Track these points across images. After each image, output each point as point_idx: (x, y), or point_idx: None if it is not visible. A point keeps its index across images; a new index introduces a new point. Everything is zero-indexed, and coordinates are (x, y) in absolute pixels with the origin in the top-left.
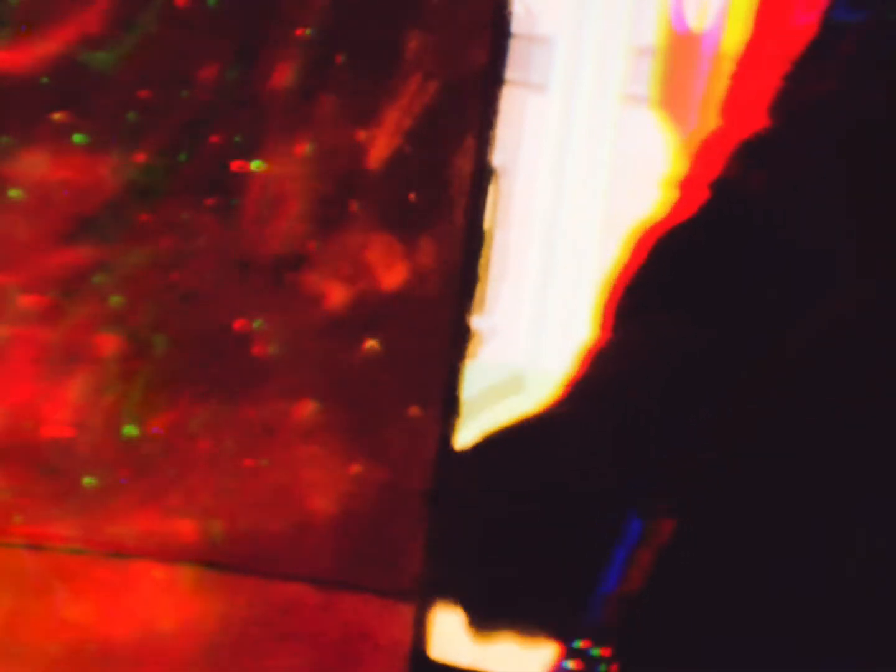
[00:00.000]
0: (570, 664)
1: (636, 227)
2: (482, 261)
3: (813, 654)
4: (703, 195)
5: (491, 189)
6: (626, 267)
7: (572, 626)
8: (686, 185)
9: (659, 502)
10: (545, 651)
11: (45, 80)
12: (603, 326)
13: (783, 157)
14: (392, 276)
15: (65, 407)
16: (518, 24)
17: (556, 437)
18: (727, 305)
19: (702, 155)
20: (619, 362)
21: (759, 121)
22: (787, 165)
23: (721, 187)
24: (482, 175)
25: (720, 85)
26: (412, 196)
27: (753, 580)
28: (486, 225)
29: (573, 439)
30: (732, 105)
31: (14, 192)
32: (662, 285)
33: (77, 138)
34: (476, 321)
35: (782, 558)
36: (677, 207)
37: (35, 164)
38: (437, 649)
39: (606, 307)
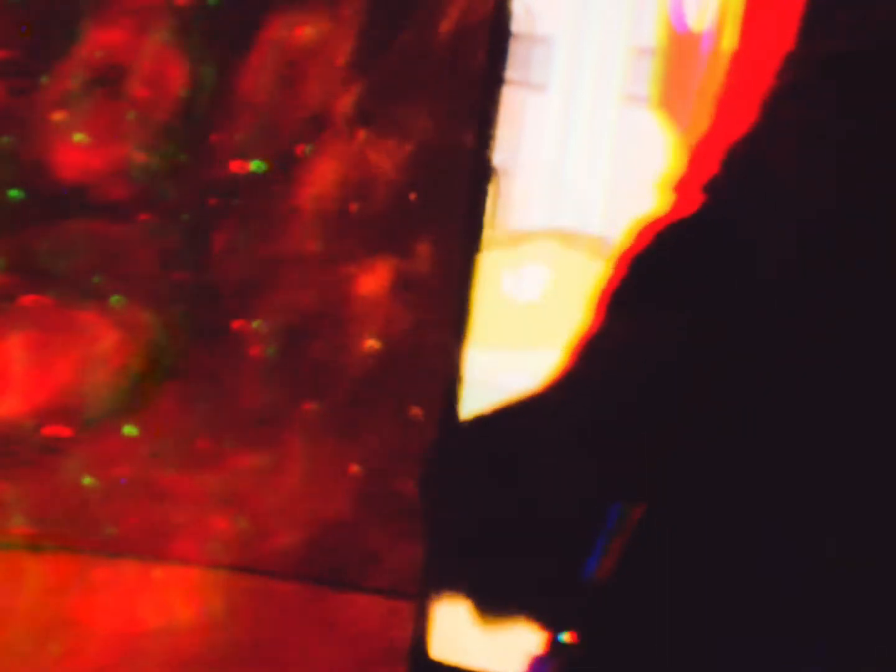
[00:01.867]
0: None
1: (633, 224)
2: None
3: (797, 654)
4: (698, 195)
5: (491, 189)
6: (620, 260)
7: (558, 616)
8: (682, 185)
9: (642, 492)
10: (531, 641)
11: (44, 79)
12: (593, 317)
13: (776, 158)
14: (392, 276)
15: (65, 407)
16: (518, 24)
17: (542, 425)
18: (717, 303)
19: (698, 154)
20: (606, 353)
21: (752, 120)
22: (781, 167)
23: (716, 188)
24: (482, 175)
25: (717, 84)
26: (412, 196)
27: (736, 576)
28: (486, 225)
29: (558, 427)
30: (728, 104)
31: (14, 192)
32: (654, 281)
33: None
34: None
35: (768, 554)
36: (673, 206)
37: None
38: (437, 649)
39: (598, 299)
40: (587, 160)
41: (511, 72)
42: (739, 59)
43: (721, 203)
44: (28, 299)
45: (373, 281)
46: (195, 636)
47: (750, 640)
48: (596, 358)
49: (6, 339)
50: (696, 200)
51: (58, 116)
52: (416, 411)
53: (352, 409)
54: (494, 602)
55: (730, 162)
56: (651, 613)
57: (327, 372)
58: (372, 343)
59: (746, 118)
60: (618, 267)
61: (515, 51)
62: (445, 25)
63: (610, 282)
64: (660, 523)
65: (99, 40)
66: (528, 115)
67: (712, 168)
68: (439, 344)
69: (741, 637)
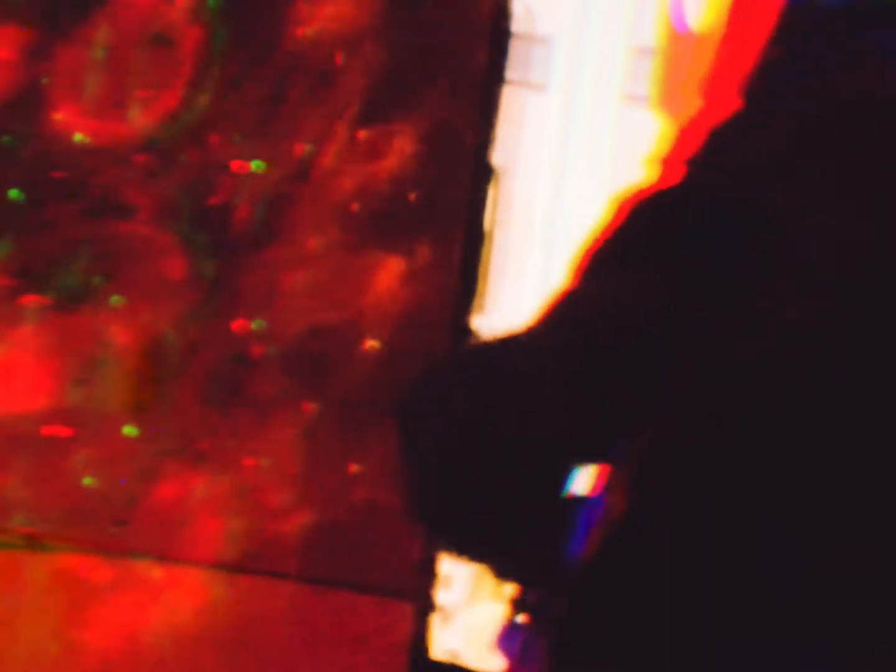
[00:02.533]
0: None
1: (617, 195)
2: (482, 261)
3: (797, 654)
4: (680, 168)
5: (491, 189)
6: (602, 229)
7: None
8: (666, 158)
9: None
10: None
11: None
12: (572, 280)
13: (761, 136)
14: (392, 276)
15: (66, 407)
16: (518, 24)
17: (510, 383)
18: (698, 274)
19: (682, 131)
20: (580, 316)
21: (735, 99)
22: (766, 144)
23: (699, 163)
24: (482, 175)
25: (707, 70)
26: (412, 196)
27: (736, 576)
28: (486, 225)
29: (527, 387)
30: (714, 83)
31: (14, 193)
32: (635, 248)
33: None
34: (476, 321)
35: (768, 554)
36: (656, 179)
37: None
38: (437, 649)
39: (579, 264)
40: (587, 160)
41: (511, 72)
42: (726, 42)
43: (702, 175)
44: (28, 299)
45: (373, 281)
46: (195, 635)
47: (750, 640)
48: (569, 319)
49: (6, 339)
50: (678, 173)
51: (58, 116)
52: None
53: (352, 409)
54: (475, 549)
55: (711, 136)
56: (647, 609)
57: (327, 372)
58: (372, 343)
59: (729, 95)
60: (600, 233)
61: (515, 51)
62: (446, 26)
63: (591, 247)
64: (657, 521)
65: (100, 39)
66: (528, 115)
67: (694, 142)
68: (439, 344)
69: (741, 637)
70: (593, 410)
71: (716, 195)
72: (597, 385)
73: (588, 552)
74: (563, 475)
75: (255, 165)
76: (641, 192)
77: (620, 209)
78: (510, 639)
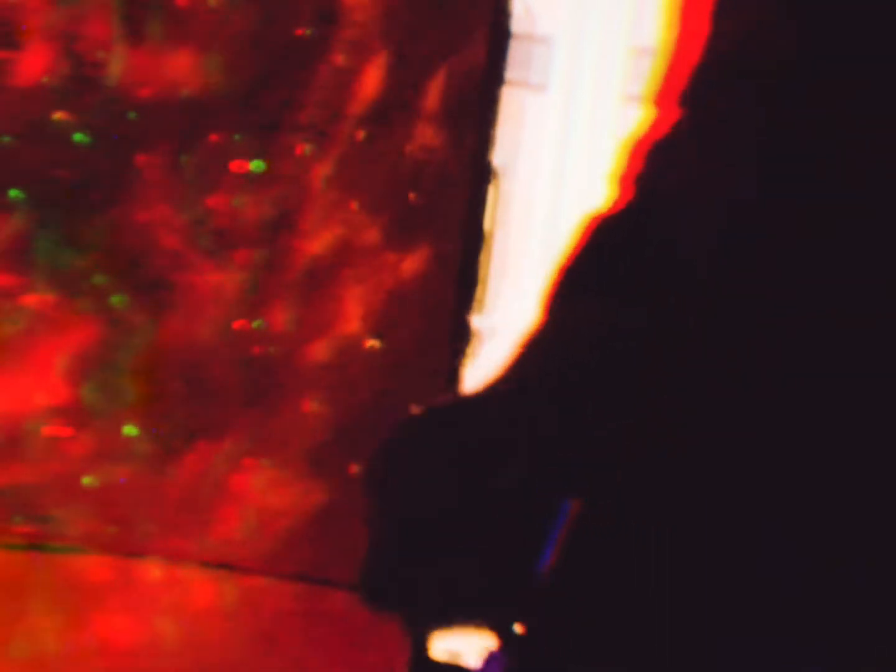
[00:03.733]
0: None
1: (582, 216)
2: (482, 261)
3: (797, 654)
4: (639, 187)
5: (491, 189)
6: (567, 253)
7: (508, 611)
8: (626, 176)
9: (601, 486)
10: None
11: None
12: (542, 310)
13: (714, 145)
14: (392, 275)
15: (66, 407)
16: (518, 24)
17: (484, 421)
18: (662, 294)
19: (640, 146)
20: (551, 345)
21: (677, 110)
22: (719, 154)
23: (654, 176)
24: (482, 175)
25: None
26: (412, 196)
27: (736, 576)
28: (486, 225)
29: (501, 423)
30: (664, 96)
31: (14, 193)
32: (598, 271)
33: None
34: (476, 321)
35: (768, 554)
36: (618, 199)
37: None
38: (437, 649)
39: (546, 292)
40: (587, 160)
41: (511, 72)
42: (674, 55)
43: (660, 195)
44: (28, 299)
45: (373, 281)
46: (195, 635)
47: (750, 640)
48: (545, 350)
49: (7, 339)
50: (637, 192)
51: (58, 116)
52: (416, 411)
53: (352, 409)
54: (441, 604)
55: (656, 150)
56: (646, 611)
57: (327, 372)
58: (372, 343)
59: (681, 109)
60: (566, 259)
61: (515, 51)
62: (446, 26)
63: (558, 274)
64: (656, 522)
65: (99, 38)
66: (528, 115)
67: (650, 161)
68: (439, 344)
69: (741, 637)
70: (570, 444)
71: (659, 218)
72: (571, 422)
73: (556, 558)
74: (545, 510)
75: (255, 165)
76: (598, 215)
77: (581, 235)
78: (492, 667)
